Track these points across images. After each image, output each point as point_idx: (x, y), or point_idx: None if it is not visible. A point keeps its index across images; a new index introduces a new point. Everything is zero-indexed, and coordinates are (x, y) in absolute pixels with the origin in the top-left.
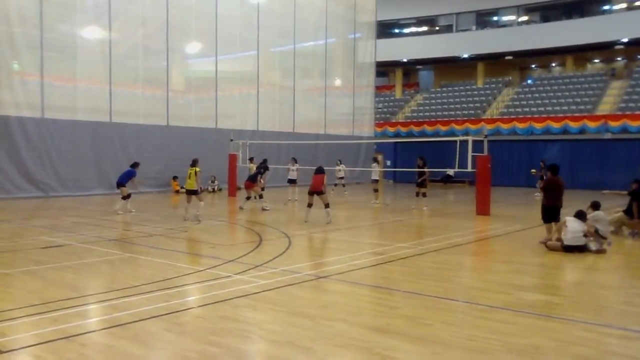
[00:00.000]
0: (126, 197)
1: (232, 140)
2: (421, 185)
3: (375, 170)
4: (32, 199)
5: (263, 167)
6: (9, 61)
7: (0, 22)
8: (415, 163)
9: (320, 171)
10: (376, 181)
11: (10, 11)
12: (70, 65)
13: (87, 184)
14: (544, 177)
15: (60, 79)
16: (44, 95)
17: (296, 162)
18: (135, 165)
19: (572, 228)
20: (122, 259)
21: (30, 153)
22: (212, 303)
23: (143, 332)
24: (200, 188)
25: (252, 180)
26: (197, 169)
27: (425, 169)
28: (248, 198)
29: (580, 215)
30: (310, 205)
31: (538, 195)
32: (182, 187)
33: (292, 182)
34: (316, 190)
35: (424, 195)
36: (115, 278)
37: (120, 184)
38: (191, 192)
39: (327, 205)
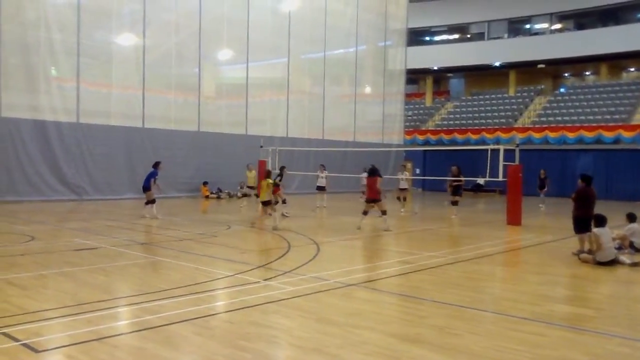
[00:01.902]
0: (150, 201)
1: (261, 146)
2: (456, 193)
3: (403, 179)
4: (66, 202)
5: (280, 174)
6: (47, 67)
7: (41, 29)
8: (449, 170)
9: (373, 173)
10: (404, 189)
11: (49, 18)
12: (105, 71)
13: (120, 188)
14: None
15: (95, 84)
16: (80, 100)
17: (325, 169)
18: (156, 164)
19: (606, 244)
20: (153, 263)
21: (65, 157)
22: (241, 308)
23: (173, 336)
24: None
25: (276, 185)
26: (270, 181)
27: (462, 177)
28: (275, 202)
29: (603, 221)
30: (365, 213)
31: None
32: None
33: (321, 189)
34: (375, 199)
35: (456, 203)
36: (146, 281)
37: (145, 187)
38: (265, 203)
39: (384, 212)
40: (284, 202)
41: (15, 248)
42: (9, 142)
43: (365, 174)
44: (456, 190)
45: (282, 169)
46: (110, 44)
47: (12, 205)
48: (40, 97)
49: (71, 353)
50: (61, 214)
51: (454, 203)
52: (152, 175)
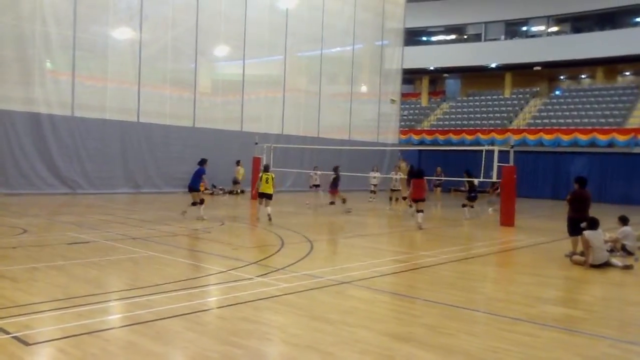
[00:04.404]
0: (197, 203)
1: (256, 143)
2: (468, 196)
3: (397, 179)
4: (60, 195)
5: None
6: (43, 60)
7: (36, 22)
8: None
9: (420, 175)
10: (396, 191)
11: (46, 11)
12: (101, 65)
13: (114, 182)
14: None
15: (90, 78)
16: (75, 94)
17: (318, 170)
18: (202, 162)
19: (598, 248)
20: (146, 258)
21: (59, 150)
22: (234, 304)
23: (165, 331)
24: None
25: (335, 186)
26: (273, 175)
27: (474, 179)
28: (332, 203)
29: (595, 224)
30: (420, 211)
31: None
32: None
33: (316, 187)
34: (420, 198)
35: (472, 207)
36: (138, 276)
37: (192, 188)
38: (266, 196)
39: (420, 211)
40: (344, 201)
41: (7, 241)
42: (3, 135)
43: (375, 173)
44: (468, 193)
45: (336, 169)
46: (107, 37)
47: (5, 198)
48: (35, 90)
49: (62, 347)
50: (54, 207)
51: (465, 205)
52: (200, 174)
